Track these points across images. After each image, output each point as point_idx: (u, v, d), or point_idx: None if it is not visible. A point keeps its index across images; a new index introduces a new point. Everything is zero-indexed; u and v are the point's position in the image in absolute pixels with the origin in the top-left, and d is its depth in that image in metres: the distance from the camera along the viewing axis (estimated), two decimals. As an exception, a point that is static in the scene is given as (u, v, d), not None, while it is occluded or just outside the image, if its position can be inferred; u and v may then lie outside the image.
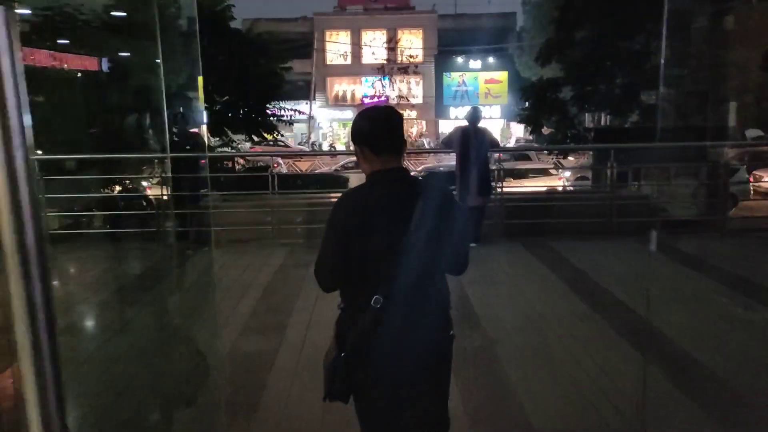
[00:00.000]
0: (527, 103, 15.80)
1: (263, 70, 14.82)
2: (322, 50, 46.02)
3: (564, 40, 15.01)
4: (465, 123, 6.86)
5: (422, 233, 1.94)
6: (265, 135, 15.46)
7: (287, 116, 15.26)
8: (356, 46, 16.14)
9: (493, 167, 7.33)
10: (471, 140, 6.67)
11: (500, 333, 4.26)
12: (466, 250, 2.19)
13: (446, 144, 7.13)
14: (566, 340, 4.19)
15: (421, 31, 43.21)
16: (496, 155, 36.19)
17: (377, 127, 2.05)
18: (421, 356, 2.02)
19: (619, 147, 8.57)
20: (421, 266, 1.98)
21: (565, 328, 4.35)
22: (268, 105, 15.15)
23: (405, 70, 15.04)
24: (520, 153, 27.31)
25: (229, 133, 15.91)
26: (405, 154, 2.12)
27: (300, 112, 15.40)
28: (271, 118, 15.29)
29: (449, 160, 24.43)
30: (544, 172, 23.18)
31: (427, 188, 2.02)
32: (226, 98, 15.19)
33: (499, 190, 7.42)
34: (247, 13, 14.72)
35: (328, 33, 46.05)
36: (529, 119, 15.40)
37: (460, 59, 44.32)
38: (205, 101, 15.27)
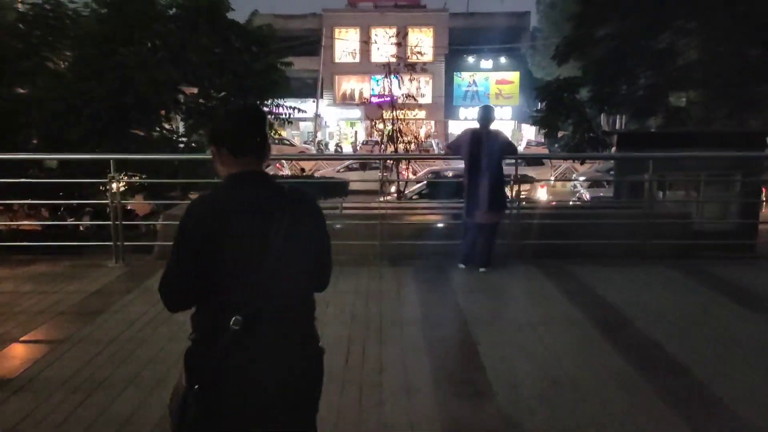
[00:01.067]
0: (541, 105, 14.81)
1: (262, 65, 13.85)
2: (331, 48, 45.15)
3: (584, 37, 14.00)
4: (475, 125, 5.90)
5: (283, 244, 1.81)
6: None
7: (286, 114, 14.28)
8: (365, 43, 14.97)
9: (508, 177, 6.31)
10: (482, 144, 5.71)
11: (519, 408, 3.26)
12: (327, 263, 2.08)
13: (453, 148, 6.15)
14: (603, 415, 3.20)
15: (431, 29, 42.24)
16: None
17: (237, 126, 1.92)
18: (286, 378, 1.86)
19: (675, 156, 7.57)
20: (283, 280, 1.84)
21: (604, 399, 3.36)
22: (266, 102, 14.17)
23: (413, 67, 14.00)
24: (532, 159, 26.30)
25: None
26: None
27: (300, 110, 14.38)
28: (269, 116, 14.33)
29: (458, 164, 23.45)
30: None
31: (290, 195, 1.90)
32: (223, 94, 14.25)
33: (511, 200, 6.40)
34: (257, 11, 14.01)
35: (337, 30, 45.15)
36: (544, 121, 14.40)
37: (471, 59, 43.30)
38: (202, 97, 14.38)
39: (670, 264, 6.06)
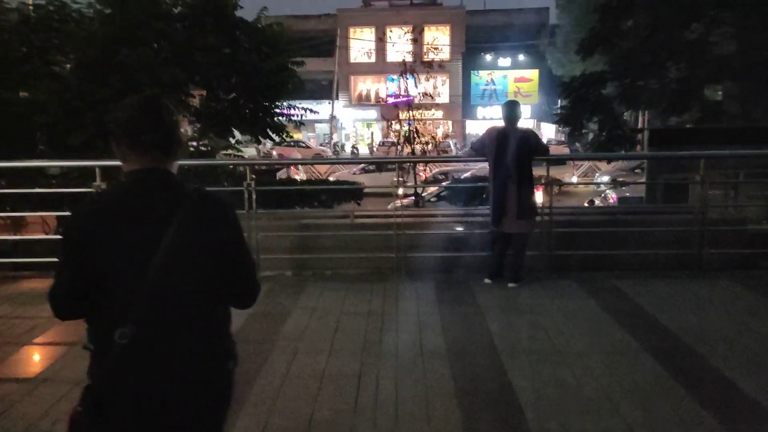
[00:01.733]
0: (564, 102, 14.05)
1: (271, 65, 13.27)
2: (346, 48, 44.60)
3: (611, 29, 13.22)
4: (497, 123, 5.24)
5: (178, 252, 1.63)
6: (274, 137, 13.91)
7: (297, 116, 13.68)
8: (380, 40, 14.37)
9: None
10: (509, 144, 5.02)
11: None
12: (244, 275, 1.83)
13: (477, 149, 5.48)
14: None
15: (448, 27, 41.49)
16: None
17: (133, 118, 1.75)
18: (182, 397, 1.68)
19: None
20: (177, 292, 1.66)
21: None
22: (277, 103, 13.60)
23: (429, 65, 13.34)
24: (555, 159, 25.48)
25: (237, 134, 14.44)
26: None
27: (313, 111, 13.77)
28: (279, 118, 13.75)
29: (475, 165, 22.70)
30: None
31: (193, 197, 1.70)
32: (233, 95, 13.70)
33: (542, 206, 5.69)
34: (271, 12, 13.46)
35: (352, 30, 44.59)
36: (568, 119, 13.65)
37: (488, 57, 42.45)
38: (210, 99, 13.85)
39: (730, 276, 5.30)
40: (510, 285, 5.11)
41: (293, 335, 4.16)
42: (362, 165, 27.80)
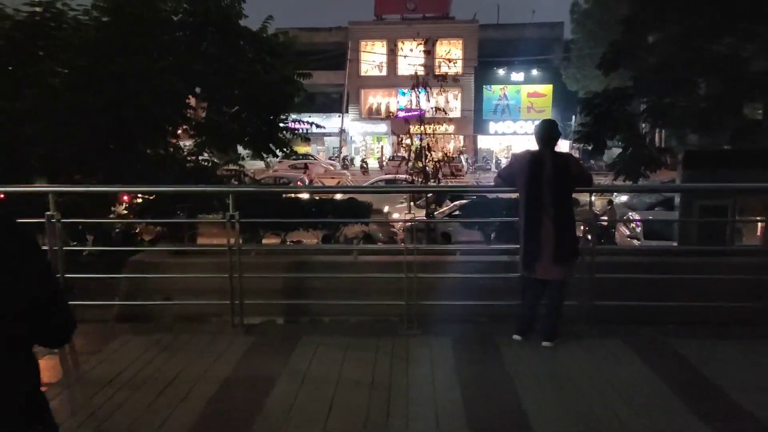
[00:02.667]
0: (584, 118, 13.22)
1: (276, 76, 12.55)
2: (357, 61, 44.04)
3: (635, 42, 12.41)
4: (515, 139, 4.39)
5: None
6: (277, 152, 13.15)
7: (302, 130, 12.92)
8: (392, 51, 13.57)
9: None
10: (545, 172, 4.19)
11: None
12: (49, 314, 1.63)
13: (505, 177, 4.59)
14: None
15: (460, 41, 40.83)
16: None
17: None
18: None
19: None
20: None
21: None
22: (281, 117, 12.86)
23: (443, 78, 12.53)
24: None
25: (240, 149, 13.69)
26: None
27: (318, 126, 12.99)
28: (284, 133, 13.00)
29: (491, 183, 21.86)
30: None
31: None
32: (236, 108, 12.98)
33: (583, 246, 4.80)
34: (281, 24, 12.83)
35: (363, 43, 44.07)
36: (590, 137, 12.80)
37: (501, 71, 41.75)
38: (213, 112, 13.14)
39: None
40: (544, 344, 4.21)
41: (277, 412, 3.31)
42: (372, 180, 27.07)
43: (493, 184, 4.99)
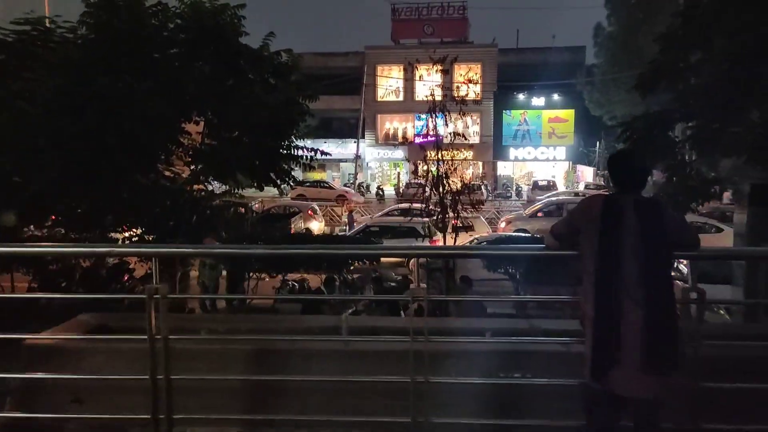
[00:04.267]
0: (623, 144, 11.85)
1: (278, 98, 11.37)
2: (373, 86, 43.16)
3: (676, 62, 11.07)
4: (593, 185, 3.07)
5: None
6: (279, 182, 11.94)
7: (305, 157, 11.69)
8: (409, 65, 12.33)
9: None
10: (626, 229, 2.82)
11: None
12: None
13: (562, 236, 3.19)
14: None
15: (479, 65, 39.74)
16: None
17: None
18: None
19: None
20: None
21: None
22: (283, 143, 11.66)
23: (462, 101, 11.25)
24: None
25: (240, 177, 12.46)
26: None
27: (324, 152, 11.76)
28: (288, 162, 11.79)
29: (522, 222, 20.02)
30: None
31: None
32: (236, 133, 11.80)
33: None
34: (297, 49, 11.93)
35: (379, 68, 43.21)
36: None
37: (521, 96, 40.53)
38: (211, 137, 11.98)
39: None
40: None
41: None
42: (387, 209, 25.78)
43: (546, 245, 3.41)
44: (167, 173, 12.06)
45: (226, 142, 11.69)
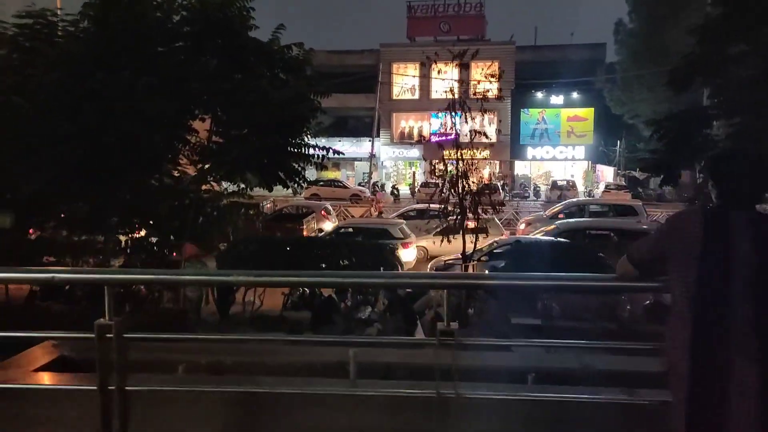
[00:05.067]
0: (655, 143, 11.08)
1: (287, 94, 10.73)
2: (388, 84, 42.44)
3: (714, 55, 10.28)
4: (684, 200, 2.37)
5: None
6: (289, 183, 11.30)
7: (317, 156, 11.04)
8: (427, 59, 11.60)
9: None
10: (737, 258, 2.11)
11: None
12: None
13: (646, 262, 2.45)
14: None
15: (496, 63, 38.84)
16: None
17: None
18: None
19: None
20: None
21: None
22: (293, 140, 11.01)
23: (484, 98, 10.51)
24: (623, 206, 21.81)
25: (249, 176, 11.81)
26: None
27: (336, 151, 11.10)
28: (297, 161, 11.15)
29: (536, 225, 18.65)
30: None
31: None
32: (245, 131, 11.16)
33: None
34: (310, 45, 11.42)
35: (395, 66, 42.48)
36: (660, 166, 10.62)
37: (539, 94, 39.61)
38: (219, 135, 11.38)
39: None
40: None
41: None
42: (402, 210, 25.09)
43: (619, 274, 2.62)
44: (174, 173, 11.51)
45: (234, 140, 11.08)
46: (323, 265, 9.89)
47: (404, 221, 19.20)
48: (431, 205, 20.81)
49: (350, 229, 17.16)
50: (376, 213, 24.79)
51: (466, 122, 11.18)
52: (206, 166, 11.34)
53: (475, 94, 11.30)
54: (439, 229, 18.90)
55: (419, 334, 9.31)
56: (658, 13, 29.57)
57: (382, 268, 10.72)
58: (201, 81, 10.09)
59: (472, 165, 11.54)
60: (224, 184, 12.80)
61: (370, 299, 10.75)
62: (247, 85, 10.58)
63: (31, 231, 11.56)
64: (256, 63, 10.95)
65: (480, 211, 11.30)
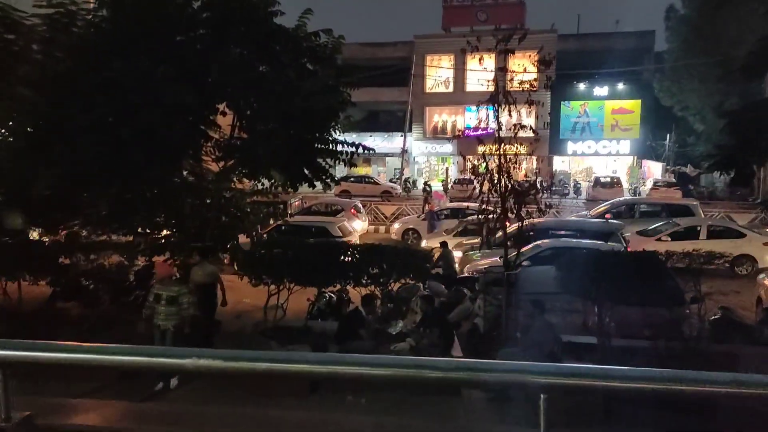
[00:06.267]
0: (726, 138, 9.91)
1: (315, 85, 9.91)
2: (422, 76, 41.35)
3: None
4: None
5: None
6: (315, 182, 10.50)
7: (345, 154, 10.20)
8: (466, 48, 10.56)
9: None
10: None
11: None
12: None
13: None
14: None
15: (536, 53, 37.40)
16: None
17: None
18: None
19: None
20: None
21: None
22: (320, 136, 10.19)
23: (531, 87, 9.45)
24: (678, 206, 20.35)
25: (276, 175, 11.01)
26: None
27: (366, 148, 10.23)
28: (324, 159, 10.34)
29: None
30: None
31: None
32: (270, 126, 10.36)
33: None
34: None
35: (429, 58, 41.35)
36: (731, 162, 9.46)
37: (582, 86, 37.96)
38: (243, 130, 10.64)
39: None
40: None
41: None
42: (437, 206, 24.11)
43: None
44: (197, 170, 10.84)
45: (259, 136, 10.31)
46: (350, 273, 9.03)
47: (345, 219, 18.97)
48: (468, 204, 19.82)
49: (290, 228, 16.32)
50: (429, 211, 23.28)
51: (510, 115, 10.15)
52: (229, 163, 10.66)
53: (521, 83, 10.25)
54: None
55: (456, 349, 8.39)
56: (713, -1, 27.88)
57: (412, 276, 9.80)
58: (223, 71, 9.35)
59: (515, 161, 10.51)
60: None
61: (403, 308, 9.87)
62: (273, 75, 9.81)
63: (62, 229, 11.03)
64: (282, 52, 10.15)
65: (524, 212, 10.25)
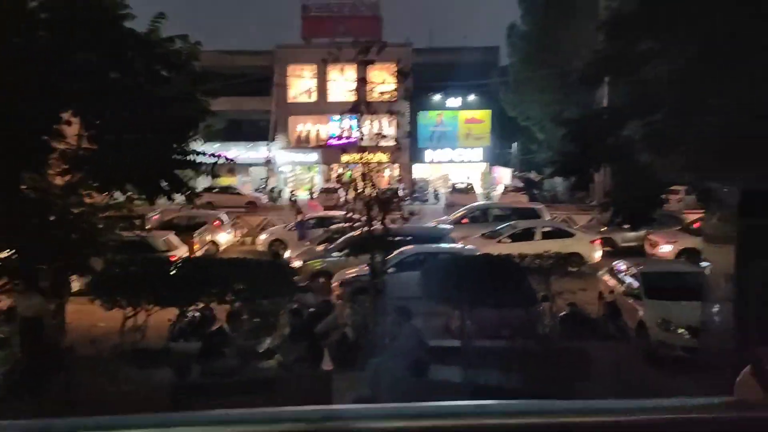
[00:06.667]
0: (567, 144, 10.74)
1: (170, 92, 9.40)
2: (284, 86, 40.98)
3: (625, 51, 10.03)
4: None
5: None
6: (174, 194, 9.95)
7: (205, 164, 9.77)
8: (329, 54, 10.56)
9: None
10: None
11: None
12: None
13: None
14: None
15: (393, 65, 38.45)
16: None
17: None
18: None
19: None
20: None
21: None
22: (176, 146, 9.68)
23: (391, 97, 9.67)
24: (525, 209, 21.84)
25: (130, 188, 10.28)
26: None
27: (227, 159, 9.89)
28: (183, 170, 9.83)
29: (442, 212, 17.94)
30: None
31: None
32: (123, 135, 9.64)
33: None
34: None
35: (291, 68, 41.07)
36: (572, 167, 10.28)
37: (437, 96, 39.74)
38: (92, 140, 9.81)
39: None
40: None
41: None
42: (300, 218, 23.75)
43: None
44: (40, 184, 9.84)
45: (109, 146, 9.58)
46: (213, 290, 8.61)
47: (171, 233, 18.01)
48: (335, 213, 19.78)
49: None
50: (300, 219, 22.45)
51: (371, 124, 10.33)
52: (77, 176, 9.81)
53: (381, 94, 10.43)
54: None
55: (326, 362, 8.22)
56: (550, 16, 30.33)
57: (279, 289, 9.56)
58: (67, 77, 8.58)
59: (376, 169, 10.69)
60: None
61: (272, 320, 9.60)
62: (123, 81, 9.17)
63: None
64: (133, 57, 9.53)
65: (388, 218, 10.43)
